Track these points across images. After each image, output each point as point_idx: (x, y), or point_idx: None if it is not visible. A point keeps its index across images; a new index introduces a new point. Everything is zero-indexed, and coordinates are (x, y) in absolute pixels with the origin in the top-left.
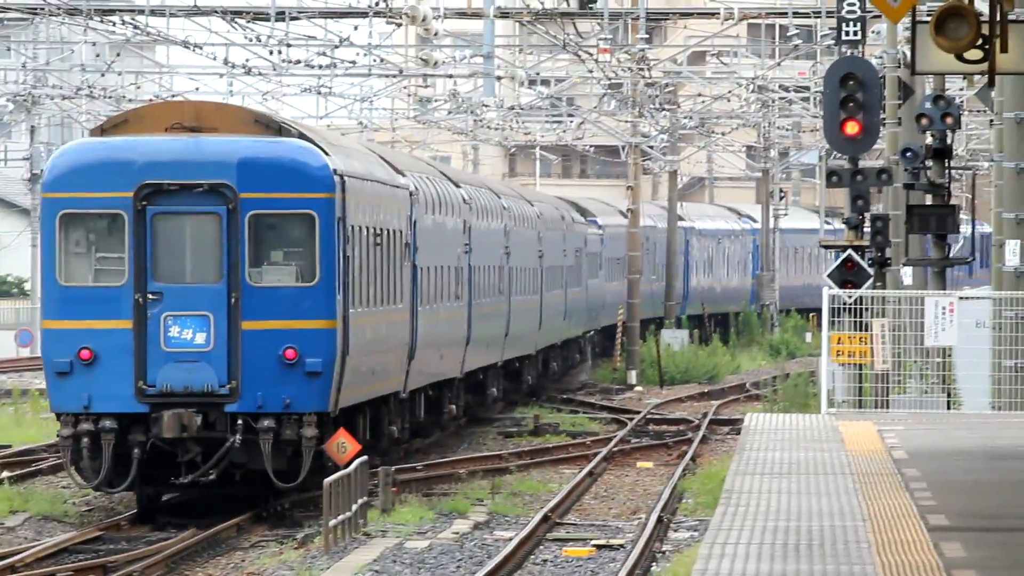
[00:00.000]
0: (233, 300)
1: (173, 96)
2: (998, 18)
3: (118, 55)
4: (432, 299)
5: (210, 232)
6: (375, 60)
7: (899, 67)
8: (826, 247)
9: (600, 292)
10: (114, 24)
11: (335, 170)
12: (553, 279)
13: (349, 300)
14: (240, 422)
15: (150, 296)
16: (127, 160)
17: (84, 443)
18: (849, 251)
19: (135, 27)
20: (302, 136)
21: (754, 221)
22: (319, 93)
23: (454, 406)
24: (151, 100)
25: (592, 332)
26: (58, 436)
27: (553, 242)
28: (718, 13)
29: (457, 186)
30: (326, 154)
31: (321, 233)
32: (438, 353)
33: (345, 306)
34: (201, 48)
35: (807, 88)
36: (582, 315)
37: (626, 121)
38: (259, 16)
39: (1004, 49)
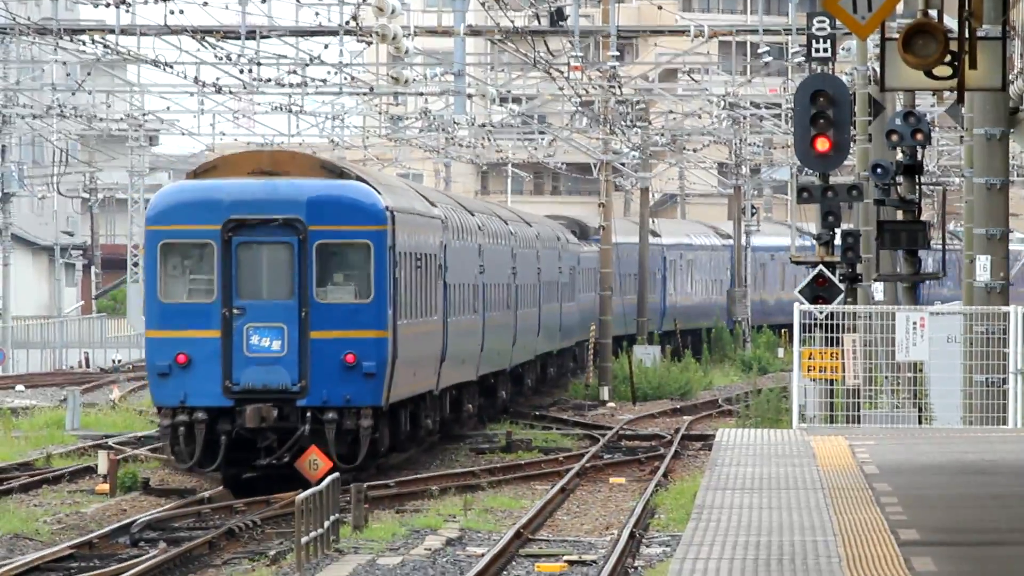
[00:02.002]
0: (303, 314)
1: (145, 115)
2: (966, 35)
3: (88, 74)
4: (458, 312)
5: (284, 258)
6: (346, 78)
7: (869, 84)
8: (797, 263)
9: (593, 306)
10: (84, 43)
11: (386, 207)
12: (550, 294)
13: (397, 313)
14: (309, 414)
15: (235, 311)
16: (216, 199)
17: (180, 432)
18: (820, 267)
19: (105, 46)
20: (359, 178)
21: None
22: (290, 111)
23: (471, 405)
24: (122, 119)
25: (586, 341)
26: (159, 427)
27: (549, 260)
28: (688, 30)
29: (472, 214)
30: (379, 193)
31: (375, 259)
32: (461, 359)
33: (394, 318)
34: (172, 67)
35: (778, 105)
36: (575, 327)
37: (598, 138)
38: (229, 35)
39: (973, 65)
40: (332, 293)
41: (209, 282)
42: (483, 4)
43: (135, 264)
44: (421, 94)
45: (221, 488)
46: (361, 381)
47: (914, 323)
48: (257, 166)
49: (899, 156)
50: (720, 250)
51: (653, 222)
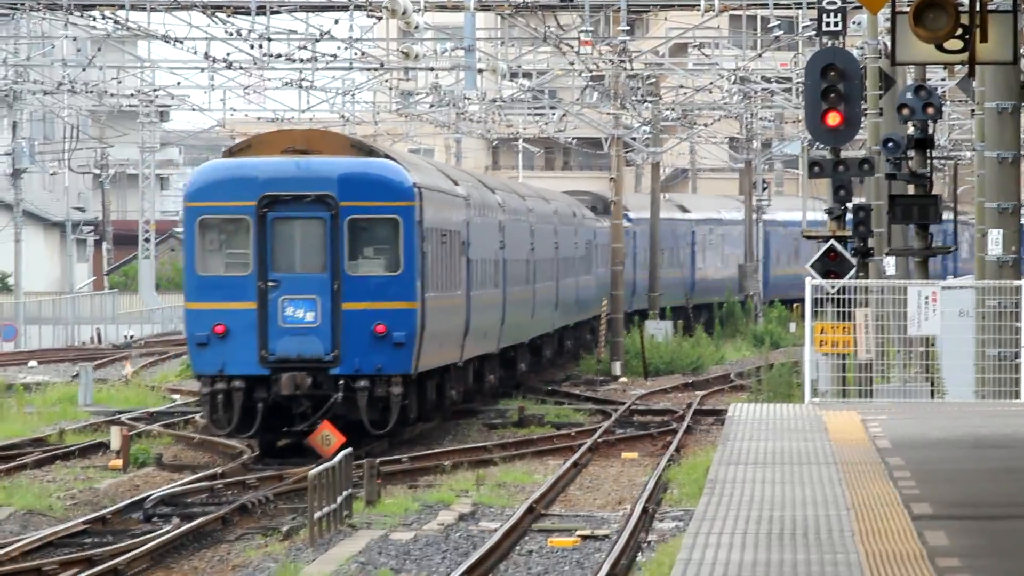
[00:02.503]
0: (335, 286)
1: (155, 91)
2: (977, 8)
3: (99, 50)
4: (480, 286)
5: (317, 233)
6: (356, 54)
7: (880, 58)
8: (808, 237)
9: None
10: (95, 19)
11: (414, 184)
12: (567, 268)
13: (425, 286)
14: (341, 382)
15: (270, 283)
16: (251, 176)
17: (219, 399)
18: (832, 241)
19: (116, 22)
20: (388, 156)
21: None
22: (300, 87)
23: (492, 377)
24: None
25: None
26: (199, 394)
27: (566, 235)
28: (699, 5)
29: (492, 192)
30: (407, 170)
31: (404, 233)
32: (483, 331)
33: (422, 291)
34: (182, 42)
35: (789, 79)
36: (593, 300)
37: (608, 113)
38: (240, 10)
39: (984, 39)
40: (363, 266)
41: (245, 256)
42: None
43: (146, 240)
44: (431, 69)
45: (234, 464)
46: (391, 351)
47: (926, 297)
48: (290, 144)
49: (910, 130)
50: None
51: (664, 197)
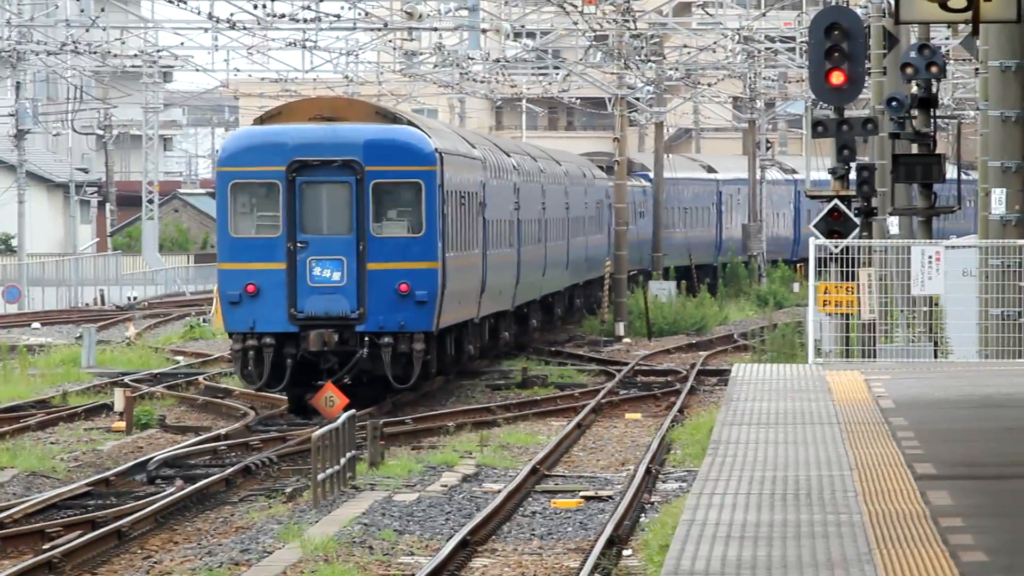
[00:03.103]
0: (361, 247)
1: (159, 51)
2: None
3: (103, 10)
4: (496, 246)
5: (343, 196)
6: (360, 14)
7: (884, 16)
8: (812, 197)
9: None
10: None
11: (435, 148)
12: (577, 228)
13: (446, 246)
14: (367, 339)
15: (299, 244)
16: (281, 143)
17: (250, 355)
18: (835, 201)
19: None
20: (410, 123)
21: (796, 172)
22: (304, 47)
23: (507, 333)
24: (136, 55)
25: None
26: (231, 350)
27: (576, 196)
28: None
29: (507, 155)
30: (428, 136)
31: (426, 196)
32: (498, 289)
33: (443, 251)
34: (186, 3)
35: (793, 39)
36: (603, 258)
37: (612, 73)
38: None
39: None
40: (387, 228)
41: (275, 218)
42: None
43: (150, 201)
44: (435, 29)
45: (237, 425)
46: (414, 308)
47: (930, 257)
48: (318, 112)
49: (914, 89)
50: (781, 185)
51: (689, 157)
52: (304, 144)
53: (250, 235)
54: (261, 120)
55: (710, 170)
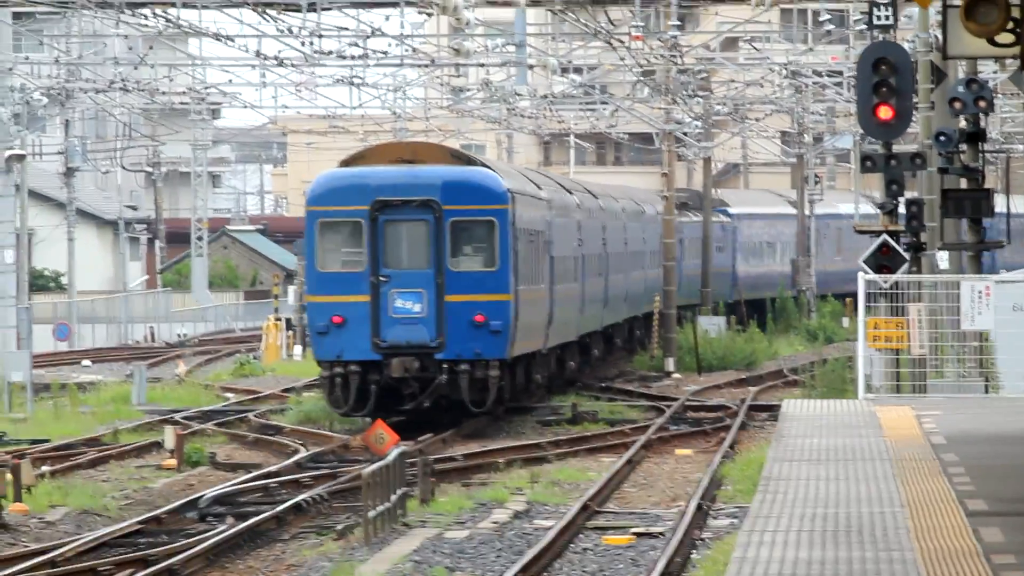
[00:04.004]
0: (439, 281)
1: (207, 89)
2: None
3: (151, 48)
4: (561, 280)
5: (423, 233)
6: (407, 50)
7: (931, 51)
8: (861, 232)
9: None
10: (146, 17)
11: (508, 189)
12: (635, 262)
13: (517, 280)
14: (445, 366)
15: (382, 278)
16: (364, 184)
17: (337, 382)
18: (884, 236)
19: (167, 20)
20: (484, 165)
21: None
22: (352, 84)
23: (572, 363)
24: (185, 92)
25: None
26: (319, 377)
27: (634, 231)
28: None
29: (570, 193)
30: (501, 178)
31: (500, 233)
32: (564, 321)
33: (515, 284)
34: (233, 40)
35: (840, 73)
36: (658, 291)
37: (659, 108)
38: (290, 7)
39: None
40: (464, 263)
41: (360, 254)
42: None
43: (199, 238)
44: (482, 65)
45: (288, 462)
46: (489, 337)
47: (979, 292)
48: (398, 155)
49: (962, 124)
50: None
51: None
52: (386, 185)
53: (336, 269)
54: (346, 163)
55: (793, 204)
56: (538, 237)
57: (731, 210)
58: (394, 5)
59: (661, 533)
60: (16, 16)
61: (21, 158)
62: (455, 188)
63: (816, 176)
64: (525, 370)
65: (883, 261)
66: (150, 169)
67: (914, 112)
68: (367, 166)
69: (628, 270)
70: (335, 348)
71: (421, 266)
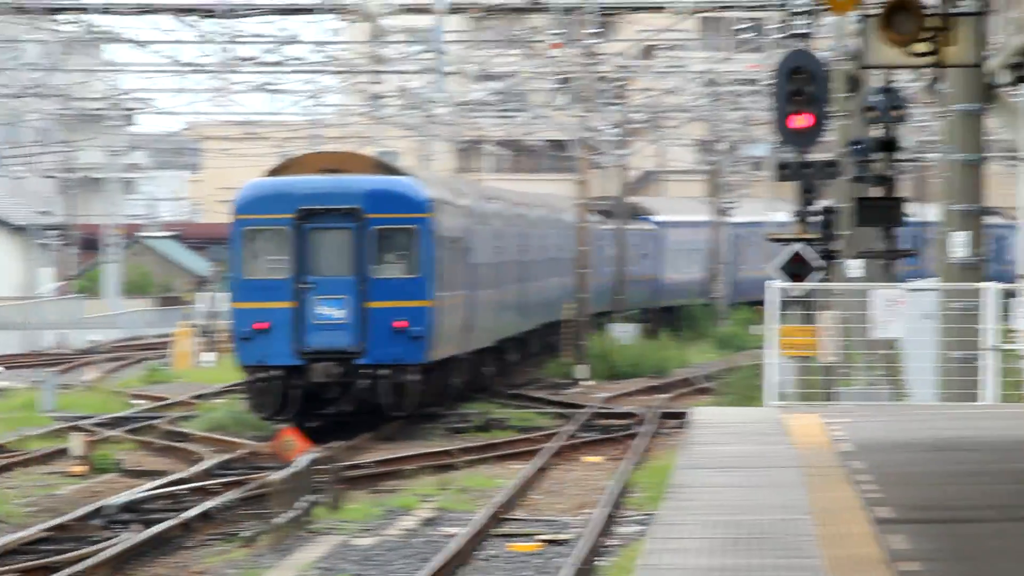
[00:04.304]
0: (361, 287)
1: (122, 95)
2: (945, 12)
3: (66, 54)
4: (479, 287)
5: (346, 241)
6: (325, 57)
7: (848, 60)
8: (774, 240)
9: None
10: (62, 23)
11: (430, 198)
12: (552, 269)
13: (438, 287)
14: (366, 371)
15: (305, 285)
16: (290, 193)
17: (260, 387)
18: (798, 244)
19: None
20: (407, 174)
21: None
22: (268, 90)
23: (490, 367)
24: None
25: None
26: (243, 382)
27: (552, 239)
28: (668, 7)
29: (489, 200)
30: (423, 186)
31: (421, 241)
32: (481, 327)
33: (436, 291)
34: (149, 46)
35: (757, 81)
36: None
37: (576, 116)
38: (207, 13)
39: (951, 42)
40: (385, 270)
41: (284, 261)
42: None
43: (112, 245)
44: (400, 72)
45: (196, 469)
46: (409, 343)
47: (891, 300)
48: (324, 165)
49: (877, 133)
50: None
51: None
52: (311, 194)
53: (261, 276)
54: (272, 172)
55: (724, 213)
56: (458, 244)
57: (656, 218)
58: (312, 12)
59: (569, 540)
60: None
61: None
62: (378, 197)
63: (731, 184)
64: (444, 375)
65: (795, 269)
66: (64, 175)
67: (830, 121)
68: (293, 175)
69: (546, 277)
70: (259, 353)
71: (344, 273)
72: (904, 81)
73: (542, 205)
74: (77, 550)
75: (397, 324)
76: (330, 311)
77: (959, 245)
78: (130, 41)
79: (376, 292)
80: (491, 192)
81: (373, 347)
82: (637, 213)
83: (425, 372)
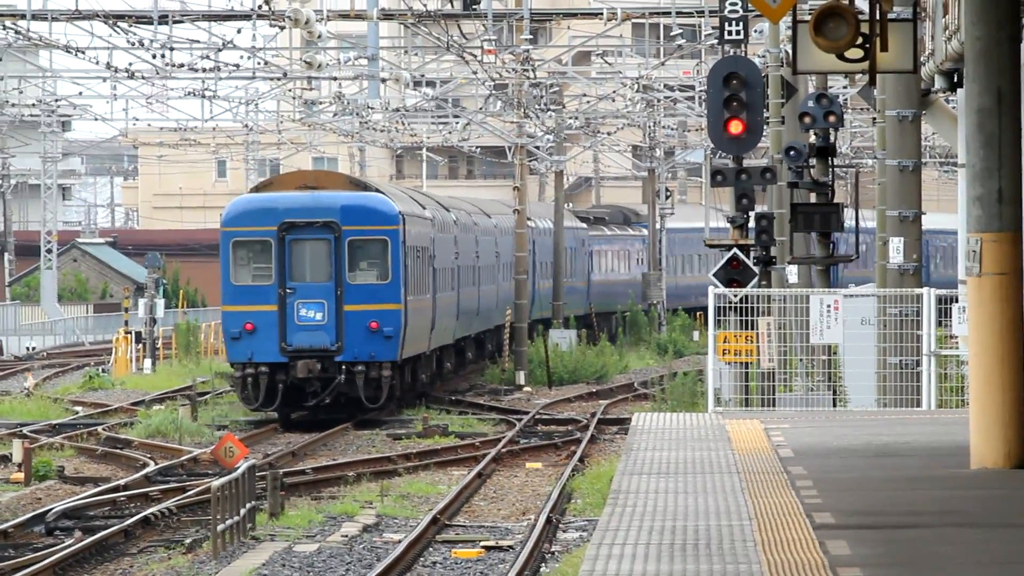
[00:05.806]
0: (339, 292)
1: (57, 101)
2: (877, 17)
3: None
4: (441, 290)
5: (324, 251)
6: (259, 63)
7: (782, 66)
8: (711, 246)
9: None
10: None
11: (399, 211)
12: (506, 273)
13: (407, 291)
14: (344, 367)
15: (288, 290)
16: (273, 207)
17: (248, 382)
18: (734, 250)
19: (16, 31)
20: (378, 190)
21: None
22: (203, 96)
23: (449, 363)
24: (35, 104)
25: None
26: (232, 378)
27: (504, 244)
28: (602, 13)
29: (448, 210)
30: (393, 201)
31: (392, 251)
32: (444, 327)
33: (405, 295)
34: (84, 52)
35: (692, 87)
36: (541, 298)
37: (512, 122)
38: (141, 19)
39: (884, 48)
40: (360, 276)
41: (268, 269)
42: None
43: (48, 251)
44: (335, 78)
45: (137, 475)
46: (383, 342)
47: (828, 306)
48: (303, 182)
49: (812, 138)
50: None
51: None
52: (292, 208)
53: (248, 283)
54: (256, 189)
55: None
56: (424, 252)
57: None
58: (246, 18)
59: (511, 547)
60: None
61: None
62: (352, 211)
63: (667, 190)
64: (412, 370)
65: (733, 275)
66: None
67: (765, 127)
68: (275, 192)
69: (499, 281)
70: (247, 351)
71: (323, 279)
72: (839, 87)
73: (497, 212)
74: (17, 557)
75: (371, 325)
76: (311, 313)
77: (896, 250)
78: (64, 47)
79: (352, 296)
80: (450, 202)
81: (350, 346)
82: (629, 220)
83: (397, 368)
